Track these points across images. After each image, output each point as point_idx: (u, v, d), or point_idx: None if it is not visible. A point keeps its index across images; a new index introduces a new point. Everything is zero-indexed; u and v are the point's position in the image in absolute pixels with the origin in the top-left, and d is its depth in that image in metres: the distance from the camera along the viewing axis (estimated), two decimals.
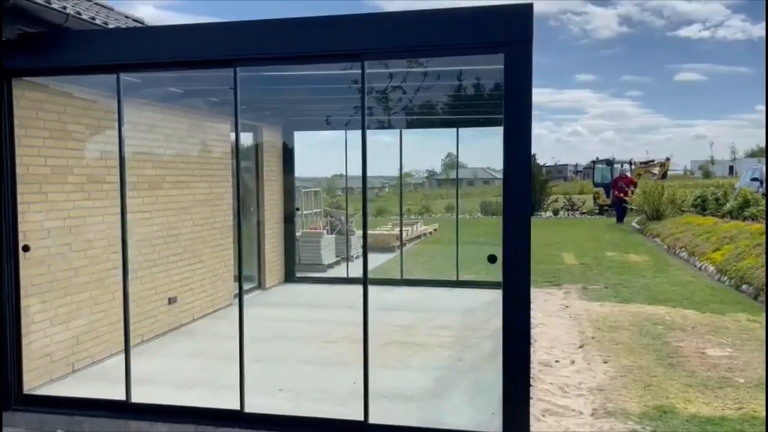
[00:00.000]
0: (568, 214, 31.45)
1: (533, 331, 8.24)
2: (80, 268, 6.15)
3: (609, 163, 31.61)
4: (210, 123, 8.65)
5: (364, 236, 5.02)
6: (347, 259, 13.01)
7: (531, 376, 6.47)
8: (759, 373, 6.47)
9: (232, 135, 9.51)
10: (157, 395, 5.23)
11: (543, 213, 31.40)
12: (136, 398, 5.12)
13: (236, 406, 4.87)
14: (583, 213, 31.83)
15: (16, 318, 5.19)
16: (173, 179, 7.72)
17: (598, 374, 6.54)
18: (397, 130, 11.67)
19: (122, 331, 6.74)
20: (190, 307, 8.14)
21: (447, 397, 5.52)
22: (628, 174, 28.90)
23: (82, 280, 6.18)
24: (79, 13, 5.41)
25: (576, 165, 78.14)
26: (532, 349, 7.39)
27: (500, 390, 5.20)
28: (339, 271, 12.66)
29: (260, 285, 10.42)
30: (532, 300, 10.87)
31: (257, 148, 10.27)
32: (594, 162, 33.05)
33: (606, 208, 30.44)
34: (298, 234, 13.39)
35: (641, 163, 31.38)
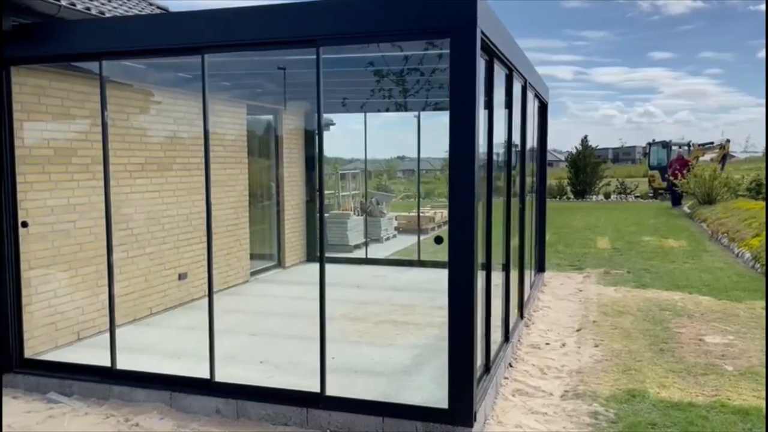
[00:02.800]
0: (621, 198, 30.66)
1: (534, 314, 8.26)
2: (85, 244, 6.58)
3: (665, 145, 30.54)
4: (222, 106, 8.97)
5: (321, 218, 5.17)
6: (366, 240, 13.22)
7: (515, 357, 6.56)
8: (751, 361, 6.31)
9: (251, 118, 9.83)
10: (147, 363, 5.58)
11: (593, 196, 30.72)
12: (127, 366, 5.48)
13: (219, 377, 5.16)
14: (638, 197, 30.97)
15: (16, 289, 5.64)
16: (183, 161, 8.07)
17: (584, 357, 6.53)
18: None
19: (130, 304, 7.23)
20: (202, 282, 8.52)
21: (416, 373, 5.66)
22: (686, 156, 27.88)
23: (87, 255, 6.61)
24: (73, 4, 5.76)
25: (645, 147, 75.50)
26: (527, 332, 7.46)
27: (480, 368, 5.36)
28: (369, 252, 12.84)
29: (280, 264, 10.77)
30: (547, 283, 10.84)
31: (276, 131, 10.56)
32: (649, 144, 31.99)
33: (661, 191, 29.54)
34: (326, 215, 13.70)
35: (699, 145, 30.17)
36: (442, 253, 13.12)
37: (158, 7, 9.80)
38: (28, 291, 5.88)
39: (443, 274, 10.88)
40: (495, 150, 6.42)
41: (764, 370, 6.03)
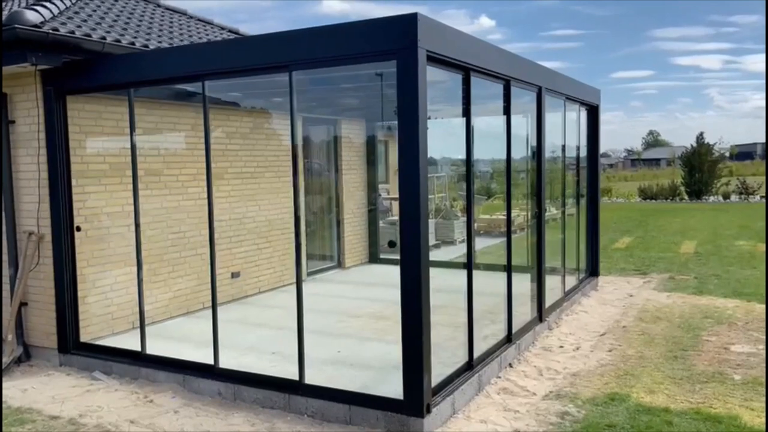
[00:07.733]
0: (742, 198, 28.53)
1: (565, 318, 8.32)
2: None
3: None
4: (276, 119, 9.77)
5: (297, 226, 5.68)
6: (437, 243, 13.53)
7: (520, 358, 6.76)
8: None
9: (311, 128, 10.58)
10: (181, 350, 6.39)
11: (710, 197, 28.83)
12: (157, 351, 6.34)
13: (231, 365, 5.86)
14: (762, 197, 28.67)
15: (73, 283, 6.67)
16: (236, 171, 8.94)
17: (591, 361, 6.59)
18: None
19: (183, 299, 8.16)
20: (256, 280, 9.37)
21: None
22: None
23: (141, 255, 7.58)
24: (119, 41, 6.71)
25: None
26: (547, 334, 7.59)
27: (459, 364, 5.71)
28: (437, 254, 13.19)
29: (339, 265, 11.44)
30: (599, 288, 10.73)
31: (335, 140, 11.24)
32: None
33: None
34: (395, 218, 14.24)
35: None
36: (503, 256, 13.04)
37: (230, 31, 10.79)
38: (86, 285, 6.92)
39: (493, 277, 11.03)
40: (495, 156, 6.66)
41: None
